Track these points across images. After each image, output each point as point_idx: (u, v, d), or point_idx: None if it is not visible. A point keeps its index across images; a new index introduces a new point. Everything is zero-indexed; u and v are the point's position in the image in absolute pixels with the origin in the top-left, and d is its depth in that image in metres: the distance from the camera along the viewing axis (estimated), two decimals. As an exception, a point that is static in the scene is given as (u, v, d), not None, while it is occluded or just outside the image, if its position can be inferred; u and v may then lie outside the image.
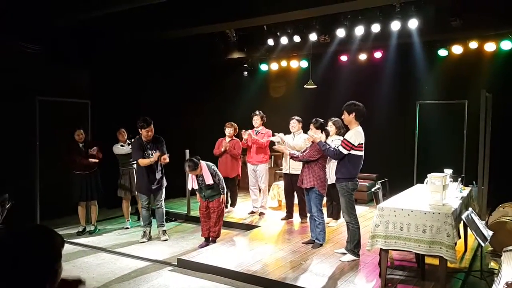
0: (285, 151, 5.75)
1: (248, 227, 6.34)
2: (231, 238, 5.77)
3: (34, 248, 1.34)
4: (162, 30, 7.34)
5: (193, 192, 5.89)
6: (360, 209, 6.59)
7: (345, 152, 4.55)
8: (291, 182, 6.26)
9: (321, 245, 5.14)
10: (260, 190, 6.97)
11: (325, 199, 5.87)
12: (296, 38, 7.62)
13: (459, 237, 4.26)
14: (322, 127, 5.07)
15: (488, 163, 6.59)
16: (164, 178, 5.88)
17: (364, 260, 4.64)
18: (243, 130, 6.78)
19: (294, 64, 9.19)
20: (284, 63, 9.33)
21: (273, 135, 6.48)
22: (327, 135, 5.18)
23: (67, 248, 5.44)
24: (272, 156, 9.00)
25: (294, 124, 6.31)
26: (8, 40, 6.13)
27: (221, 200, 5.35)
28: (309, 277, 4.21)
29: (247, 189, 7.49)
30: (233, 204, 7.29)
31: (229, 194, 6.91)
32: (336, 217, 6.29)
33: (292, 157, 5.35)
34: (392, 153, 8.16)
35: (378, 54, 8.22)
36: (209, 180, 5.20)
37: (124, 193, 6.43)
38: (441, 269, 3.79)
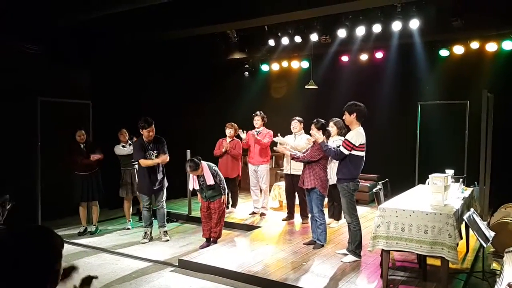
0: (286, 151, 5.74)
1: (249, 227, 6.33)
2: (232, 238, 5.76)
3: (34, 249, 1.34)
4: (163, 31, 7.34)
5: (194, 193, 5.90)
6: (361, 210, 6.58)
7: (346, 152, 4.54)
8: (292, 183, 6.26)
9: (322, 245, 5.13)
10: (261, 190, 6.96)
11: (326, 199, 5.87)
12: (297, 39, 7.61)
13: (461, 238, 4.24)
14: (323, 128, 5.06)
15: (489, 163, 6.57)
16: (165, 179, 5.88)
17: (366, 261, 4.63)
18: (241, 130, 6.78)
19: (295, 64, 9.18)
20: (285, 64, 9.33)
21: (275, 136, 6.47)
22: (328, 135, 5.17)
23: (68, 249, 5.45)
24: (273, 157, 9.00)
25: (295, 124, 6.30)
26: (9, 41, 6.14)
27: (222, 201, 5.35)
28: (310, 278, 4.20)
29: (248, 189, 7.49)
30: (234, 204, 7.28)
31: (229, 194, 6.91)
32: (337, 217, 6.28)
33: (293, 157, 5.35)
34: (393, 153, 8.15)
35: (379, 55, 8.21)
36: (210, 181, 5.19)
37: (126, 193, 6.43)
38: (442, 270, 3.78)
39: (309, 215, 5.40)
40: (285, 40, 7.73)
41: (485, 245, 3.97)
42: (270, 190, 7.32)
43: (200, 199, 5.49)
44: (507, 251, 3.55)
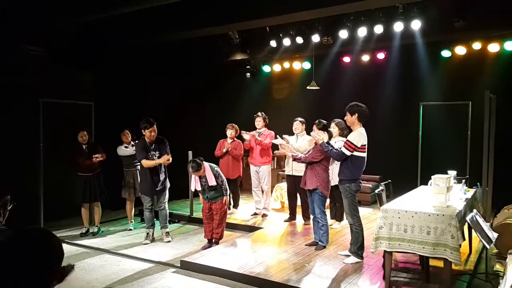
0: (288, 152, 5.74)
1: (251, 228, 6.33)
2: (234, 239, 5.75)
3: (35, 250, 1.35)
4: (165, 32, 7.35)
5: (196, 194, 5.90)
6: (363, 211, 6.57)
7: (347, 153, 4.54)
8: (294, 184, 6.25)
9: (325, 247, 5.12)
10: (262, 191, 6.96)
11: (328, 200, 5.86)
12: (299, 40, 7.61)
13: (464, 239, 4.22)
14: (325, 128, 5.06)
15: (492, 164, 6.55)
16: (167, 180, 5.88)
17: (368, 262, 4.62)
18: (243, 132, 6.77)
19: (297, 65, 9.18)
20: (286, 65, 9.33)
21: (276, 137, 6.46)
22: (330, 136, 5.17)
23: (70, 250, 5.46)
24: (275, 158, 9.00)
25: (297, 125, 6.30)
26: (12, 42, 6.16)
27: (224, 202, 5.35)
28: (312, 279, 4.19)
29: (249, 190, 7.48)
30: (235, 205, 7.28)
31: (231, 195, 6.91)
32: (339, 219, 6.27)
33: (295, 158, 5.35)
34: (395, 154, 8.13)
35: (381, 55, 8.20)
36: (212, 182, 5.19)
37: (128, 194, 6.43)
38: (445, 272, 3.76)
39: (311, 216, 5.39)
40: (286, 41, 7.73)
41: (488, 247, 3.95)
42: (271, 191, 7.32)
43: (202, 200, 5.48)
44: (511, 252, 3.54)
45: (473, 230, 4.21)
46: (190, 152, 6.36)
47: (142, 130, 5.62)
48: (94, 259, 5.18)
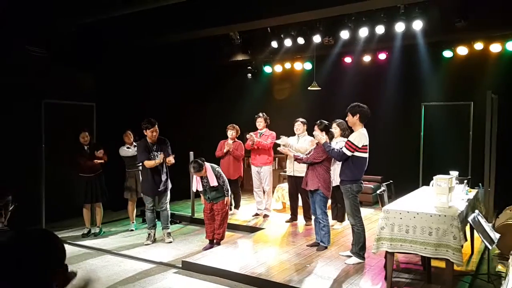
0: (290, 153, 5.73)
1: (252, 229, 6.33)
2: (236, 240, 5.75)
3: (37, 251, 1.35)
4: (167, 33, 7.36)
5: (197, 195, 5.90)
6: (365, 212, 6.56)
7: (348, 153, 4.53)
8: (295, 184, 6.25)
9: (326, 247, 5.12)
10: (264, 192, 6.96)
11: (329, 201, 5.85)
12: (300, 40, 7.61)
13: (466, 240, 4.22)
14: (326, 129, 5.05)
15: (494, 164, 6.53)
16: (169, 181, 5.89)
17: (370, 263, 4.62)
18: (249, 134, 6.75)
19: (298, 66, 9.18)
20: (288, 65, 9.33)
21: (278, 138, 6.47)
22: (332, 137, 5.17)
23: (72, 251, 5.46)
24: (276, 158, 9.00)
25: (299, 126, 6.29)
26: (14, 43, 6.18)
27: (225, 202, 5.35)
28: (314, 280, 4.19)
29: (251, 191, 7.48)
30: (236, 206, 7.28)
31: (232, 196, 6.91)
32: (341, 219, 6.26)
33: (297, 159, 5.34)
34: (397, 155, 8.12)
35: (382, 56, 8.20)
36: (213, 182, 5.20)
37: (130, 195, 6.44)
38: (447, 272, 3.75)
39: (313, 217, 5.38)
40: (288, 42, 7.73)
41: (490, 247, 3.94)
42: (273, 192, 7.31)
43: (203, 200, 5.49)
44: (513, 253, 3.52)
45: (475, 231, 4.20)
46: (191, 153, 6.37)
47: (144, 131, 5.62)
48: (96, 260, 5.19)
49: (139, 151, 5.71)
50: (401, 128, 8.23)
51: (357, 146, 4.51)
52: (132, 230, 6.51)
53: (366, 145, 4.58)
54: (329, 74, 8.62)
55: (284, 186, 7.26)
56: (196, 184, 5.35)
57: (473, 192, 4.96)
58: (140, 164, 5.89)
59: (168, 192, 5.90)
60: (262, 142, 6.65)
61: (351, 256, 4.69)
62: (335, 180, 5.44)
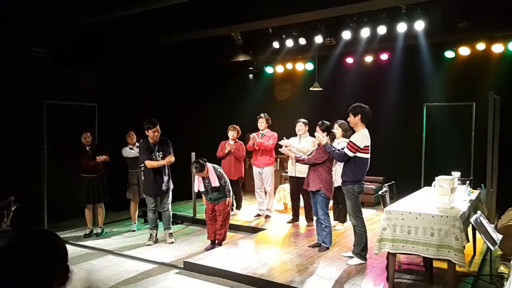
0: (291, 154, 5.73)
1: (254, 230, 6.33)
2: (237, 241, 5.75)
3: (39, 251, 1.35)
4: (168, 34, 7.37)
5: (199, 195, 5.90)
6: (367, 212, 6.55)
7: (350, 154, 4.53)
8: (297, 185, 6.24)
9: (328, 248, 5.11)
10: (266, 193, 6.95)
11: (331, 202, 5.84)
12: (302, 41, 7.61)
13: (468, 241, 4.21)
14: (328, 130, 5.05)
15: (496, 165, 6.51)
16: (171, 181, 5.89)
17: (371, 263, 4.61)
18: (252, 135, 6.74)
19: (300, 66, 9.18)
20: (289, 66, 9.33)
21: (280, 139, 6.46)
22: (333, 137, 5.16)
23: (74, 251, 5.48)
24: (278, 159, 8.99)
25: (300, 127, 6.29)
26: (16, 44, 6.20)
27: (227, 203, 5.35)
28: (315, 280, 4.18)
29: (252, 192, 7.48)
30: (238, 206, 7.28)
31: (233, 197, 6.91)
32: (342, 220, 6.26)
33: (298, 160, 5.34)
34: (399, 155, 8.11)
35: (384, 56, 8.19)
36: (215, 182, 5.20)
37: (133, 195, 6.45)
38: (449, 273, 3.74)
39: (314, 218, 5.38)
40: (289, 42, 7.73)
41: (492, 248, 3.93)
42: (274, 193, 7.31)
43: (205, 201, 5.49)
44: (515, 254, 3.51)
45: (477, 232, 4.19)
46: (193, 154, 6.37)
47: (146, 131, 5.63)
48: (98, 260, 5.20)
49: (141, 152, 5.72)
50: (403, 128, 8.22)
51: (358, 147, 4.50)
52: (134, 230, 6.51)
53: (368, 146, 4.57)
54: (330, 74, 8.62)
55: (286, 187, 7.26)
56: (198, 185, 5.36)
57: (475, 193, 4.95)
58: (143, 164, 5.90)
59: (170, 193, 5.91)
60: (264, 143, 6.65)
61: (353, 257, 4.68)
62: (337, 180, 5.43)
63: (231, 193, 5.46)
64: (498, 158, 6.55)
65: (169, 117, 7.16)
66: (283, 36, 7.74)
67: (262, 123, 6.81)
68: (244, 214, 7.17)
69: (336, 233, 5.78)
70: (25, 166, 6.20)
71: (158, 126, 5.61)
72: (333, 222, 5.90)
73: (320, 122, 5.14)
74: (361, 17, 6.85)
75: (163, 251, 5.51)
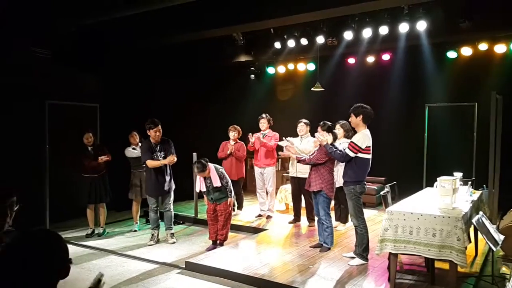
0: (293, 154, 5.73)
1: (256, 230, 6.33)
2: (239, 241, 5.76)
3: (42, 250, 1.36)
4: (170, 34, 7.38)
5: (200, 195, 5.91)
6: (368, 213, 6.55)
7: (352, 154, 4.53)
8: (298, 186, 6.24)
9: (329, 248, 5.11)
10: (267, 193, 6.95)
11: (332, 202, 5.84)
12: (303, 41, 7.61)
13: (470, 241, 4.20)
14: (330, 130, 5.05)
15: (498, 166, 6.50)
16: (172, 181, 5.90)
17: (373, 264, 4.60)
18: (250, 134, 6.77)
19: (301, 67, 9.17)
20: (291, 66, 9.32)
21: (282, 139, 6.46)
22: (335, 138, 5.16)
23: (76, 251, 5.49)
24: (280, 159, 8.99)
25: (302, 127, 6.29)
26: (18, 44, 6.22)
27: (228, 203, 5.35)
28: (317, 281, 4.18)
29: (254, 192, 7.48)
30: (239, 207, 7.29)
31: (234, 197, 6.91)
32: (344, 220, 6.25)
33: (300, 160, 5.34)
34: (401, 156, 8.10)
35: (386, 57, 8.18)
36: (217, 183, 5.20)
37: (135, 195, 6.46)
38: (451, 274, 3.73)
39: (316, 218, 5.37)
40: (291, 43, 7.73)
41: (494, 249, 3.92)
42: (276, 193, 7.31)
43: (206, 201, 5.49)
44: (517, 255, 3.50)
45: (479, 232, 4.18)
46: (194, 154, 6.38)
47: (147, 131, 5.65)
48: (100, 260, 5.21)
49: (143, 151, 5.73)
50: (405, 129, 8.21)
51: (360, 147, 4.50)
52: (135, 230, 6.52)
53: (369, 146, 4.57)
54: (332, 75, 8.61)
55: (287, 187, 7.26)
56: (199, 185, 5.36)
57: (477, 193, 4.93)
58: (145, 164, 5.91)
59: (172, 193, 5.91)
60: (267, 143, 6.64)
61: (355, 258, 4.68)
62: (339, 181, 5.43)
63: (233, 193, 5.47)
64: (500, 158, 6.54)
65: (170, 117, 7.17)
66: (285, 36, 7.74)
67: (263, 123, 6.81)
68: (245, 215, 7.17)
69: (337, 233, 5.78)
70: (27, 166, 6.21)
71: (159, 126, 5.63)
72: (334, 223, 5.90)
73: (321, 123, 5.14)
74: (363, 17, 6.84)
75: (165, 251, 5.51)
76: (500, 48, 7.14)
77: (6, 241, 1.37)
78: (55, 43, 6.63)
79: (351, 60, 8.60)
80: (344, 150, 4.64)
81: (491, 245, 3.87)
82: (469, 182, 4.90)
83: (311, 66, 8.93)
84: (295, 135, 6.36)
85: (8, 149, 6.03)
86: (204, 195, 5.49)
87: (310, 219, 6.31)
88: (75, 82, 7.05)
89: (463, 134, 7.46)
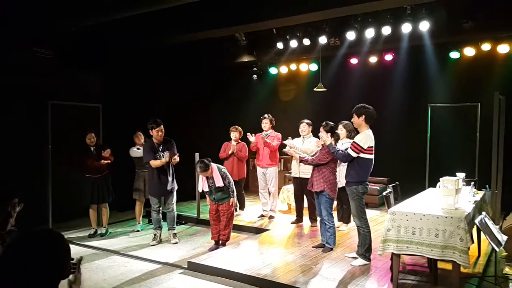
0: (295, 154, 5.72)
1: (258, 230, 6.33)
2: (241, 241, 5.76)
3: (44, 250, 1.36)
4: (173, 34, 7.39)
5: (203, 195, 5.91)
6: (371, 213, 6.54)
7: (354, 155, 4.52)
8: (301, 186, 6.24)
9: (332, 249, 5.10)
10: (269, 193, 6.95)
11: (335, 202, 5.83)
12: (306, 41, 7.60)
13: (473, 242, 4.19)
14: (332, 130, 5.04)
15: (501, 166, 6.47)
16: (175, 182, 5.91)
17: (376, 264, 4.59)
18: (249, 134, 6.76)
19: (304, 67, 9.17)
20: (293, 66, 9.32)
21: (284, 139, 6.46)
22: (338, 138, 5.15)
23: (78, 251, 5.50)
24: (282, 160, 8.99)
25: (304, 127, 6.28)
26: (20, 44, 6.24)
27: (230, 203, 5.35)
28: (319, 281, 4.18)
29: (256, 192, 7.48)
30: (241, 207, 7.29)
31: (236, 197, 6.91)
32: (346, 221, 6.24)
33: (302, 160, 5.34)
34: (403, 156, 8.08)
35: (388, 57, 8.16)
36: (219, 183, 5.21)
37: (139, 195, 6.47)
38: (454, 274, 3.73)
39: (318, 218, 5.37)
40: (293, 43, 7.73)
41: (497, 249, 3.91)
42: (278, 193, 7.31)
43: (208, 201, 5.50)
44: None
45: (482, 233, 4.16)
46: (196, 154, 6.38)
47: (150, 131, 5.66)
48: (102, 260, 5.22)
49: (145, 151, 5.74)
50: (407, 129, 8.19)
51: (362, 148, 4.49)
52: (138, 230, 6.53)
53: (372, 147, 4.56)
54: (335, 75, 8.60)
55: (290, 188, 7.25)
56: (202, 185, 5.37)
57: (480, 194, 4.92)
58: (147, 164, 5.92)
59: (175, 193, 5.92)
60: (270, 143, 6.64)
61: (357, 258, 4.67)
62: (341, 181, 5.43)
63: (235, 193, 5.47)
64: (503, 159, 6.51)
65: (173, 117, 7.18)
66: (287, 36, 7.74)
67: (266, 123, 6.81)
68: (248, 215, 7.17)
69: (340, 234, 5.77)
70: (29, 166, 6.24)
71: (162, 125, 5.64)
72: (337, 223, 5.89)
73: (324, 123, 5.13)
74: (366, 17, 6.84)
75: (167, 251, 5.52)
76: (503, 49, 7.11)
77: (8, 241, 1.38)
78: (56, 43, 6.65)
79: (354, 61, 8.59)
80: (347, 150, 4.63)
81: (494, 245, 3.86)
82: (472, 183, 4.89)
83: (314, 67, 8.92)
84: (297, 135, 6.36)
85: (11, 150, 6.06)
86: (207, 195, 5.49)
87: (313, 219, 6.31)
88: (77, 82, 7.07)
89: (465, 134, 7.44)
